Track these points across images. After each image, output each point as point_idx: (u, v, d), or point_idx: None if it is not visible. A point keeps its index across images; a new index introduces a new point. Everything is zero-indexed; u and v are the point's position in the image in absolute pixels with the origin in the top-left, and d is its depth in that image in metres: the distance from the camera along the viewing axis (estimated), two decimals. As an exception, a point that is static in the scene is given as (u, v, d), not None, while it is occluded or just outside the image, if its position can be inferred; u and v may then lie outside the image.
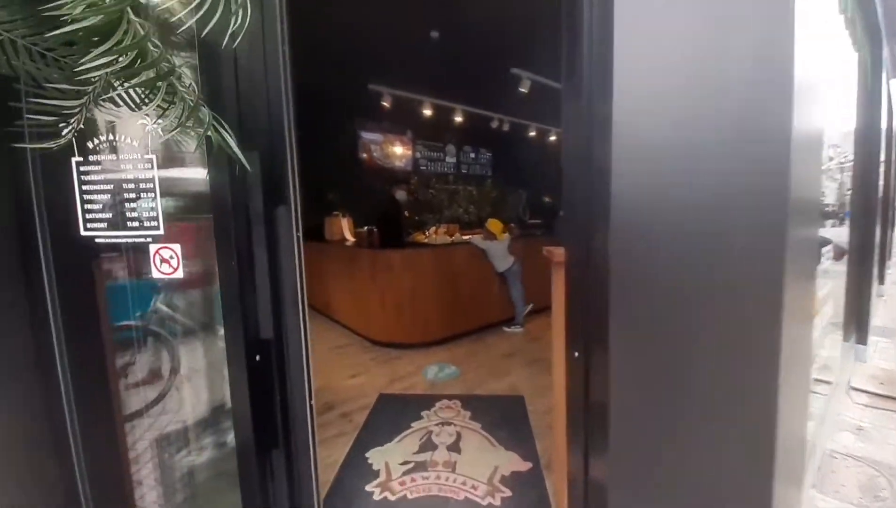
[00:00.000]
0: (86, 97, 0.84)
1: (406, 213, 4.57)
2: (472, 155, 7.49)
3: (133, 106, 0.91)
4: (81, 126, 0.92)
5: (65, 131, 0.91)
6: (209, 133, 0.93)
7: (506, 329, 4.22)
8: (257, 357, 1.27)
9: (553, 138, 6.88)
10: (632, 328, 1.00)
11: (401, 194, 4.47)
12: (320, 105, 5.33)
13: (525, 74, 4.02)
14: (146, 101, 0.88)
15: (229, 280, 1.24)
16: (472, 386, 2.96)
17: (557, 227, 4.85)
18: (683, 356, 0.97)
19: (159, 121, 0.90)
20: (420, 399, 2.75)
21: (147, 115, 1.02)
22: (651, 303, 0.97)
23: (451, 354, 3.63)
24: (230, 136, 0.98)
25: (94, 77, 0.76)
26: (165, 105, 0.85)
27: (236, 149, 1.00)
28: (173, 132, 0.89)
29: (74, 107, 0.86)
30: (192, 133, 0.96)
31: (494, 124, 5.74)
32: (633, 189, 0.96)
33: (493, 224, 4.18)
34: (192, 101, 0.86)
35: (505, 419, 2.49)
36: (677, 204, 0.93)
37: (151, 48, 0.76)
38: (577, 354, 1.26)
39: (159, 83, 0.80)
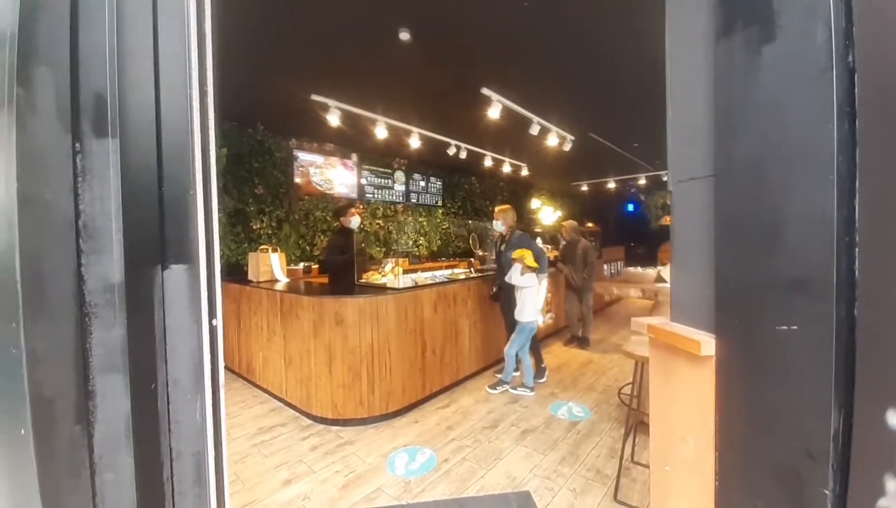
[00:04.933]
0: None
1: (362, 245, 3.69)
2: (423, 183, 6.96)
3: None
4: None
5: None
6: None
7: (512, 391, 3.41)
8: None
9: (508, 169, 6.65)
10: None
11: (355, 221, 3.52)
12: (247, 115, 4.41)
13: (496, 96, 3.62)
14: None
15: None
16: (460, 482, 2.21)
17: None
18: None
19: None
20: (393, 517, 1.93)
21: None
22: None
23: (420, 429, 2.84)
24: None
25: None
26: None
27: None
28: None
29: None
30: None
31: (452, 151, 5.27)
32: None
33: (524, 253, 3.31)
34: None
35: (517, 538, 1.79)
36: None
37: None
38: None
39: None
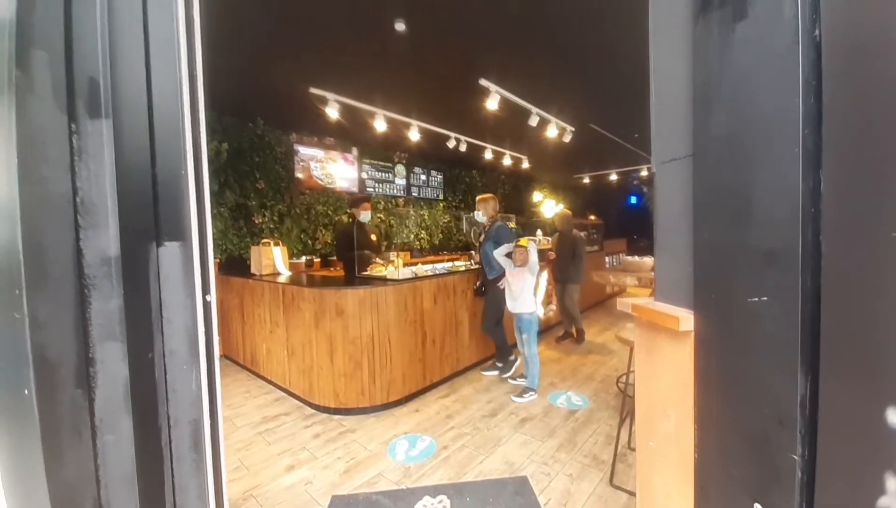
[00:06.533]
0: None
1: (374, 237, 3.75)
2: (424, 177, 6.97)
3: None
4: None
5: None
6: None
7: (514, 399, 3.09)
8: None
9: (509, 162, 6.65)
10: None
11: (365, 215, 3.60)
12: (247, 109, 4.44)
13: (494, 87, 3.62)
14: None
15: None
16: (458, 468, 2.25)
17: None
18: None
19: None
20: (392, 500, 1.97)
21: None
22: None
23: (421, 417, 2.89)
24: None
25: None
26: None
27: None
28: None
29: None
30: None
31: (451, 144, 5.28)
32: None
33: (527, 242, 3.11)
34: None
35: (514, 520, 1.83)
36: None
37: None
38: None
39: None
